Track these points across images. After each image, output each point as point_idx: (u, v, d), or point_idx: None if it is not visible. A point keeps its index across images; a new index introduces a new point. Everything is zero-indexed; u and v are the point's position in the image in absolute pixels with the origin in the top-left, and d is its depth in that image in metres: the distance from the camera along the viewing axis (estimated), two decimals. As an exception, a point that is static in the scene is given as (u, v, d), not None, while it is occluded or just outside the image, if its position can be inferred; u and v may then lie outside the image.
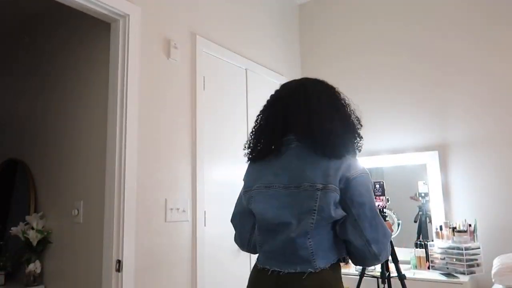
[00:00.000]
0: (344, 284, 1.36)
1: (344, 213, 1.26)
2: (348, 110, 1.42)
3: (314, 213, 1.24)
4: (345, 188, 1.25)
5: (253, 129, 1.52)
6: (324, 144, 1.28)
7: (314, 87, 1.44)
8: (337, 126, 1.33)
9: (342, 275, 1.37)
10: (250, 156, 1.50)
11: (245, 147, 1.54)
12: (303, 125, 1.33)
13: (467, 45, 2.95)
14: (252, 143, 1.49)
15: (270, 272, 1.30)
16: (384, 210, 2.33)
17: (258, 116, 1.53)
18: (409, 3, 3.23)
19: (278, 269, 1.28)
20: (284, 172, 1.33)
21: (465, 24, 2.97)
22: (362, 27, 3.44)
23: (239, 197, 1.56)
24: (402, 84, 3.19)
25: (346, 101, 1.45)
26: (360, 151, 1.38)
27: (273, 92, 1.52)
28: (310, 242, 1.25)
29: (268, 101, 1.52)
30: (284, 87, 1.50)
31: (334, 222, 1.28)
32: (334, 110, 1.38)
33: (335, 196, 1.24)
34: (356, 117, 1.42)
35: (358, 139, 1.38)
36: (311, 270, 1.25)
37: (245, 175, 1.52)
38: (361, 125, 1.42)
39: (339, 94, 1.46)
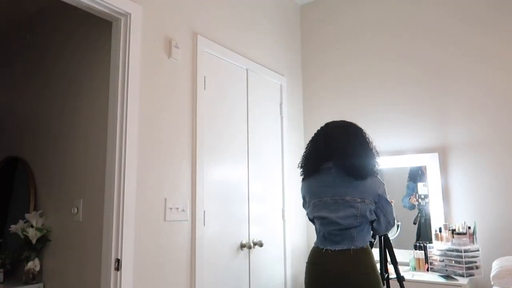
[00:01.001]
0: None
1: (375, 217, 2.00)
2: (370, 144, 2.04)
3: (357, 216, 1.94)
4: (378, 200, 1.99)
5: (304, 154, 2.16)
6: (354, 168, 1.95)
7: (350, 127, 2.06)
8: (363, 156, 1.98)
9: None
10: (302, 175, 2.16)
11: (298, 166, 2.18)
12: (341, 154, 1.99)
13: (467, 48, 2.95)
14: (303, 164, 2.15)
15: (324, 250, 1.97)
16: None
17: (308, 144, 2.16)
18: (410, 6, 3.23)
19: (330, 248, 1.96)
20: (329, 188, 2.01)
21: (465, 28, 2.97)
22: (363, 28, 3.44)
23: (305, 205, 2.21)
24: (403, 85, 3.19)
25: (369, 138, 2.06)
26: (378, 172, 2.05)
27: (319, 128, 2.14)
28: (353, 231, 1.95)
29: (315, 134, 2.13)
30: (328, 125, 2.11)
31: (371, 221, 2.01)
32: (361, 144, 2.01)
33: (371, 206, 1.97)
34: (375, 148, 2.05)
35: (377, 164, 2.03)
36: (353, 247, 1.92)
37: (303, 191, 2.17)
38: (378, 155, 2.06)
39: (365, 133, 2.07)
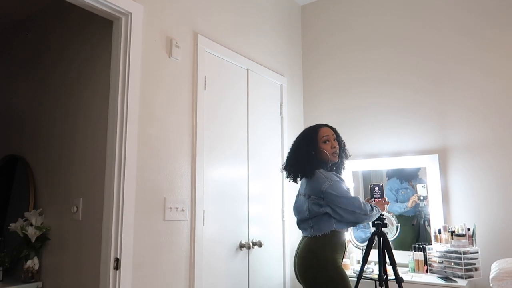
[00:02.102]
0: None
1: (328, 209, 2.17)
2: (308, 146, 2.30)
3: (306, 209, 2.23)
4: (325, 196, 2.17)
5: None
6: (298, 170, 2.33)
7: (299, 135, 2.43)
8: (299, 158, 2.31)
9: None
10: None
11: None
12: (288, 160, 2.40)
13: (468, 50, 2.95)
14: None
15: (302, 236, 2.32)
16: (383, 213, 2.33)
17: None
18: (411, 7, 3.23)
19: (302, 234, 2.31)
20: (301, 186, 2.36)
21: (467, 29, 2.97)
22: (363, 29, 3.44)
23: None
24: (402, 86, 3.19)
25: (310, 140, 2.32)
26: (327, 168, 2.30)
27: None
28: (310, 222, 2.22)
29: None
30: None
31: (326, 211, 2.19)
32: (298, 147, 2.35)
33: (319, 201, 2.18)
34: (317, 148, 2.30)
35: (320, 162, 2.28)
36: (309, 235, 2.21)
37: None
38: (321, 153, 2.30)
39: (307, 135, 2.36)
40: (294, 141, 2.39)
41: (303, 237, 2.27)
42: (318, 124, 2.39)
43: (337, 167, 2.42)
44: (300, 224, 2.30)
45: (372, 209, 2.21)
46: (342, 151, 2.41)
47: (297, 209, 2.33)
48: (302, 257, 2.18)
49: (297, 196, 2.37)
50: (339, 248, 2.17)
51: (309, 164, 2.25)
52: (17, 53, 3.32)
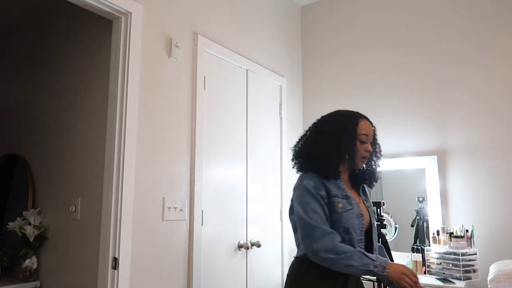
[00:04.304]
0: None
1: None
2: (340, 131, 1.73)
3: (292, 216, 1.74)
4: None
5: None
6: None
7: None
8: (302, 149, 1.80)
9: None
10: None
11: None
12: None
13: (468, 51, 2.95)
14: None
15: None
16: (382, 214, 2.33)
17: None
18: (411, 8, 3.23)
19: None
20: None
21: (466, 31, 2.97)
22: (363, 31, 3.44)
23: None
24: (402, 88, 3.20)
25: (341, 121, 1.77)
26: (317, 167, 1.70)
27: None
28: (296, 235, 1.72)
29: None
30: None
31: None
32: (328, 135, 1.74)
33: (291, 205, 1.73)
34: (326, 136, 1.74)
35: (308, 158, 1.75)
36: (295, 255, 1.72)
37: None
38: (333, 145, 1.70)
39: (336, 116, 1.83)
40: (322, 125, 1.77)
41: None
42: (357, 113, 1.78)
43: (356, 177, 1.79)
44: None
45: (364, 261, 1.50)
46: (372, 157, 1.77)
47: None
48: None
49: None
50: (326, 277, 1.58)
51: (301, 156, 1.75)
52: (16, 52, 3.32)
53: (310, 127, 1.81)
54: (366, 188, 1.84)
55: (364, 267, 1.48)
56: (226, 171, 2.69)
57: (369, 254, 1.52)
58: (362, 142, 1.69)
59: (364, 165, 1.74)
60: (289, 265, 1.73)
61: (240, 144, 2.82)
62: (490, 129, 2.82)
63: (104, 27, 2.40)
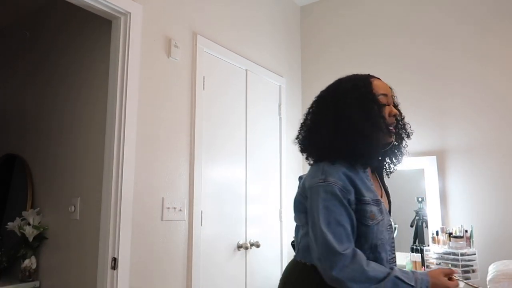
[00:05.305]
0: None
1: (302, 221, 1.33)
2: (350, 101, 1.34)
3: (295, 208, 1.38)
4: (308, 195, 1.28)
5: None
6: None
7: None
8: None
9: None
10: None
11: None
12: None
13: (466, 52, 2.95)
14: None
15: None
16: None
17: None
18: (410, 9, 3.23)
19: None
20: None
21: (464, 32, 2.98)
22: (362, 31, 3.44)
23: None
24: (401, 88, 3.19)
25: (353, 86, 1.37)
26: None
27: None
28: (299, 233, 1.39)
29: None
30: None
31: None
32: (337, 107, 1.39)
33: (302, 200, 1.32)
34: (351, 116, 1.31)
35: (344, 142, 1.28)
36: (293, 258, 1.40)
37: None
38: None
39: (343, 83, 1.43)
40: (326, 95, 1.41)
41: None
42: (367, 74, 1.42)
43: (388, 157, 1.40)
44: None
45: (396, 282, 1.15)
46: (400, 128, 1.40)
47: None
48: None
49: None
50: None
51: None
52: (16, 53, 3.31)
53: (310, 109, 1.41)
54: (390, 172, 1.47)
55: None
56: (225, 171, 2.69)
57: (405, 275, 1.18)
58: (383, 105, 1.32)
59: (393, 138, 1.33)
60: (288, 266, 1.40)
61: (240, 144, 2.82)
62: (490, 130, 2.82)
63: (103, 27, 2.40)
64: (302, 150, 1.39)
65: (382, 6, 3.38)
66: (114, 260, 1.96)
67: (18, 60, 3.26)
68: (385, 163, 1.41)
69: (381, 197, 1.36)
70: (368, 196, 1.25)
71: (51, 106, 2.80)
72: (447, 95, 2.99)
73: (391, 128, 1.31)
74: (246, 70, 2.97)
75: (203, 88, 2.56)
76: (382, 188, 1.42)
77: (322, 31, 3.67)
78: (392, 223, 1.37)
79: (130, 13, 2.14)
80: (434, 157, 2.97)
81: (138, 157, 2.12)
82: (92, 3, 2.02)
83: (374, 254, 1.24)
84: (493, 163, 2.78)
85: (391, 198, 1.50)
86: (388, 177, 1.44)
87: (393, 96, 1.41)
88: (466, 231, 2.67)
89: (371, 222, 1.22)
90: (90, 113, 2.47)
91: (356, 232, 1.23)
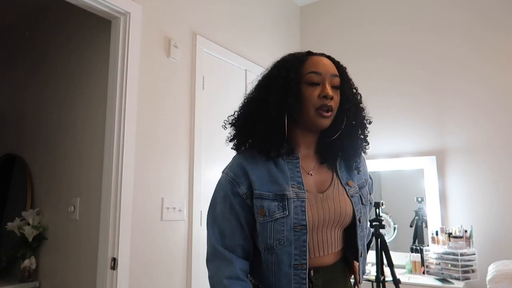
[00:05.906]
0: None
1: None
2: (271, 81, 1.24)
3: None
4: None
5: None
6: None
7: None
8: None
9: None
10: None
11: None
12: None
13: (466, 51, 2.95)
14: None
15: None
16: (381, 214, 2.33)
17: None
18: (410, 8, 3.23)
19: None
20: None
21: (464, 31, 2.98)
22: (362, 31, 3.44)
23: None
24: (401, 88, 3.20)
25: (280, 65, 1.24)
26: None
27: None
28: None
29: None
30: None
31: None
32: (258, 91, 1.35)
33: None
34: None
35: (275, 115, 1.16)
36: None
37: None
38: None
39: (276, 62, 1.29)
40: (258, 80, 1.31)
41: None
42: (308, 51, 1.26)
43: (329, 148, 1.19)
44: None
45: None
46: (348, 113, 1.19)
47: None
48: None
49: None
50: None
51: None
52: (15, 53, 3.31)
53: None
54: (354, 163, 1.23)
55: None
56: (225, 171, 2.68)
57: None
58: (313, 84, 1.12)
59: (330, 121, 1.14)
60: None
61: (239, 144, 2.82)
62: (489, 130, 2.82)
63: (103, 27, 2.40)
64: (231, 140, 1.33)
65: (382, 8, 3.38)
66: (114, 260, 1.96)
67: (18, 61, 3.26)
68: (340, 152, 1.19)
69: (332, 186, 1.15)
70: (263, 190, 1.10)
71: (51, 107, 2.80)
72: (447, 94, 2.99)
73: (322, 111, 1.10)
74: (245, 70, 2.97)
75: (203, 88, 2.55)
76: (340, 182, 1.18)
77: (321, 30, 3.67)
78: (364, 222, 1.17)
79: (129, 13, 2.14)
80: (434, 157, 2.97)
81: (138, 157, 2.12)
82: (92, 3, 2.02)
83: (273, 256, 1.08)
84: (493, 163, 2.78)
85: (369, 197, 1.29)
86: (352, 165, 1.23)
87: (339, 76, 1.20)
88: (466, 231, 2.67)
89: (261, 219, 1.09)
90: (89, 113, 2.47)
91: (253, 228, 1.14)
